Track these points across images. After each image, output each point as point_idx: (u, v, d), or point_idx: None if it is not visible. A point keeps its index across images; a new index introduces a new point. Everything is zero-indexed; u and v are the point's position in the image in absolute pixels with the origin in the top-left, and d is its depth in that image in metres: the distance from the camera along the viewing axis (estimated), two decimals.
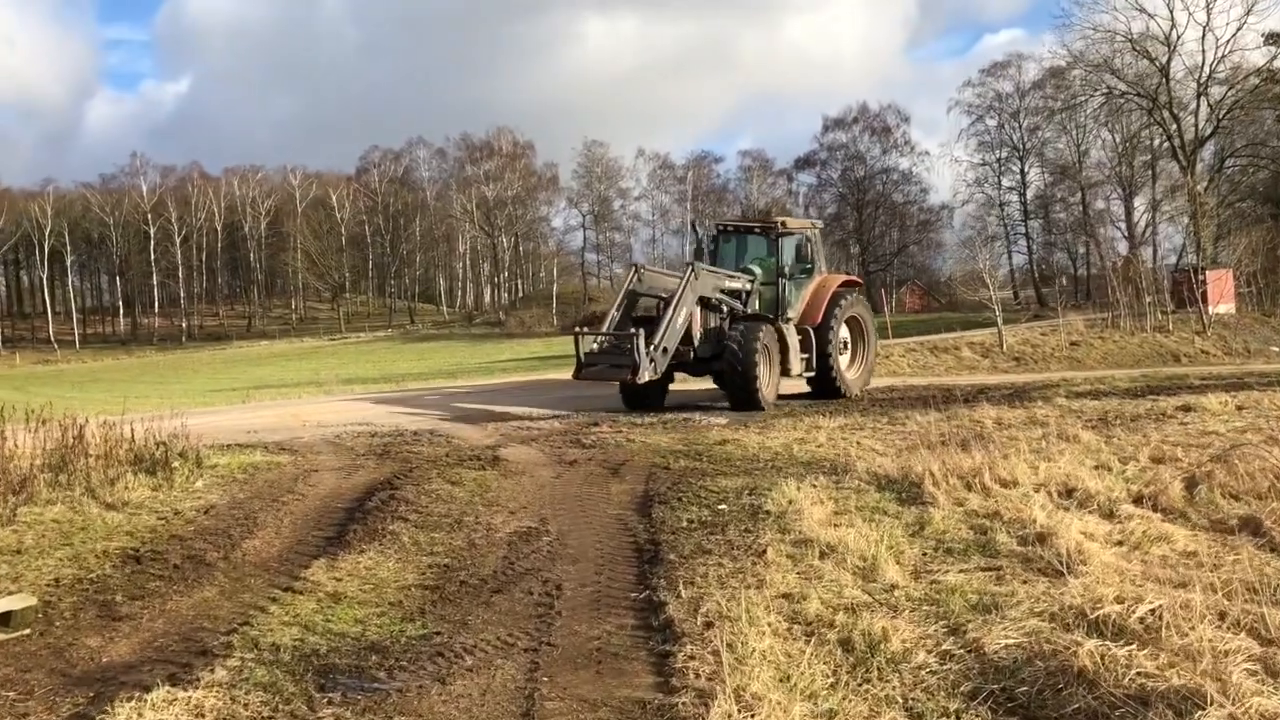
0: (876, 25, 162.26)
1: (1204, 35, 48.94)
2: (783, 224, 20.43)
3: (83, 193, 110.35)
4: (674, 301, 17.61)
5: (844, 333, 20.28)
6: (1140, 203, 70.84)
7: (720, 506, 8.91)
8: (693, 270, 18.13)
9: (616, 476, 10.79)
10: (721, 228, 21.84)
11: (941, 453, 10.83)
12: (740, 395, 17.65)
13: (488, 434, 14.79)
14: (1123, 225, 73.76)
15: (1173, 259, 59.54)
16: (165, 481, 9.61)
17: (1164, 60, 49.33)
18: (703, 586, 6.52)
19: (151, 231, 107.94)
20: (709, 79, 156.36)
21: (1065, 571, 6.46)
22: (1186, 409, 15.87)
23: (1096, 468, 10.57)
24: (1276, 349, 37.90)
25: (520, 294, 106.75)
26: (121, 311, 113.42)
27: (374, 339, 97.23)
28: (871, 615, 5.78)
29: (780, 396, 18.76)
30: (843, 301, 19.91)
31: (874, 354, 21.86)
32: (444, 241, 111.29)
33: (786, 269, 19.55)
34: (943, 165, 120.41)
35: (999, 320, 33.09)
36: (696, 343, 18.15)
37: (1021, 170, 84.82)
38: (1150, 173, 66.84)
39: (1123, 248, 68.31)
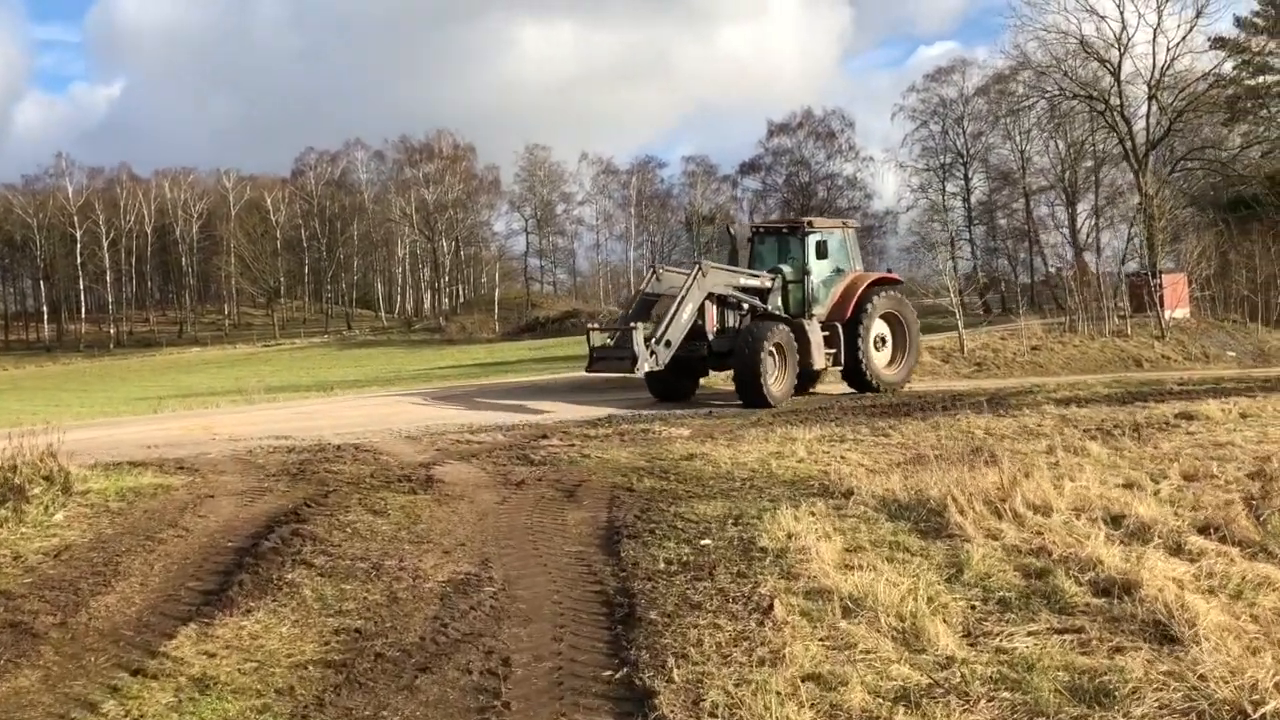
0: (813, 37, 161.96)
1: (1154, 37, 48.36)
2: (809, 223, 20.92)
3: (3, 194, 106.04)
4: (679, 297, 18.24)
5: (880, 329, 20.78)
6: (1083, 209, 70.75)
7: (704, 542, 7.29)
8: (700, 268, 18.82)
9: (573, 501, 9.14)
10: (756, 229, 22.86)
11: (948, 471, 9.32)
12: (748, 392, 18.22)
13: (421, 449, 13.05)
14: (1065, 231, 73.61)
15: (1115, 265, 59.15)
16: (14, 514, 7.76)
17: (1115, 62, 48.69)
18: (699, 661, 4.90)
19: (78, 234, 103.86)
20: (648, 87, 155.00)
21: (1174, 636, 4.93)
22: (1188, 417, 14.54)
23: (1128, 486, 9.15)
24: (1233, 354, 37.30)
25: (461, 299, 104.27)
26: (46, 317, 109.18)
27: (309, 345, 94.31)
28: (939, 710, 4.19)
29: (812, 393, 20.37)
30: (875, 298, 20.34)
31: (917, 351, 22.36)
32: (383, 245, 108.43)
33: (811, 266, 19.93)
34: (887, 171, 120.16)
35: (959, 325, 31.90)
36: (711, 338, 18.81)
37: (965, 176, 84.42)
38: (1094, 179, 66.76)
39: (1067, 254, 68.16)
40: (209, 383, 53.46)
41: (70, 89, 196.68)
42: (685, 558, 6.89)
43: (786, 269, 20.14)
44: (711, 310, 18.88)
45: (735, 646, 5.12)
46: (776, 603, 5.69)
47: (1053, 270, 76.33)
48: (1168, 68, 49.03)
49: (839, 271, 20.56)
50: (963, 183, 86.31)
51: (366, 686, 4.78)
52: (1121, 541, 6.85)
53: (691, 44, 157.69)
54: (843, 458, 11.53)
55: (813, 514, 7.85)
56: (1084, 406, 16.92)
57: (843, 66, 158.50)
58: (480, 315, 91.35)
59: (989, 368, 30.74)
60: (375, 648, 5.29)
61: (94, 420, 19.64)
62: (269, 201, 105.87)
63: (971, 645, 5.12)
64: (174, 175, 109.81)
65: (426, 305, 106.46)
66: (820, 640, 5.14)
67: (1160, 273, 39.87)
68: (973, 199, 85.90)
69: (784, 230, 21.46)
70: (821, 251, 20.10)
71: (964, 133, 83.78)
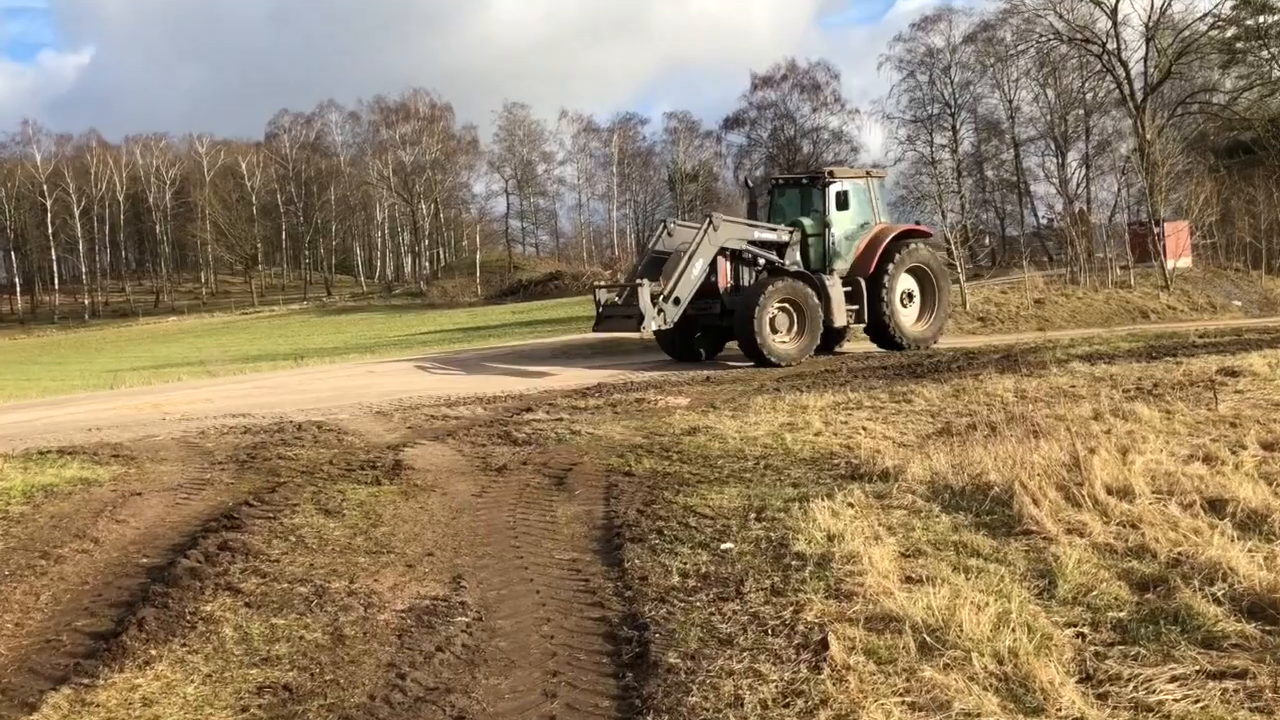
0: None
1: None
2: (830, 174, 19.76)
3: None
4: (689, 252, 17.32)
5: (907, 283, 19.73)
6: (1072, 158, 69.56)
7: (724, 545, 5.98)
8: (711, 221, 17.91)
9: (563, 490, 7.82)
10: (776, 181, 21.90)
11: (997, 446, 8.05)
12: (748, 349, 17.50)
13: (392, 426, 11.71)
14: (1056, 181, 72.34)
15: (1105, 216, 57.91)
16: None
17: (1111, 3, 47.16)
18: None
19: (48, 204, 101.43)
20: (623, 46, 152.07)
21: None
22: (1232, 373, 13.29)
23: (1206, 460, 7.86)
24: (1239, 303, 36.26)
25: (442, 263, 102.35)
26: (19, 289, 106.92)
27: (288, 312, 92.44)
28: None
29: (839, 351, 19.84)
30: (901, 251, 19.27)
31: (947, 306, 21.41)
32: (361, 209, 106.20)
33: (832, 219, 19.02)
34: (873, 124, 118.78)
35: (961, 279, 30.60)
36: (725, 296, 17.89)
37: (953, 127, 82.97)
38: (1084, 127, 65.59)
39: (1057, 205, 67.18)
40: (184, 353, 52.02)
41: (38, 57, 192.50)
42: (704, 568, 5.59)
43: (807, 222, 19.17)
44: (725, 266, 17.97)
45: (786, 707, 3.83)
46: (831, 637, 4.40)
47: (1044, 221, 75.30)
48: (1166, 8, 47.63)
49: (863, 225, 19.55)
50: (950, 133, 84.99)
51: None
52: (1237, 536, 5.57)
53: (665, 1, 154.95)
54: (864, 429, 10.23)
55: (851, 505, 6.54)
56: (1111, 363, 15.67)
57: (818, 23, 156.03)
58: (462, 279, 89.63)
59: (993, 322, 29.55)
60: (309, 714, 3.98)
61: (39, 399, 18.22)
62: (243, 166, 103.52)
63: (1100, 698, 3.84)
64: (145, 141, 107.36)
65: (407, 269, 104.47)
66: (899, 696, 3.85)
67: (1161, 221, 38.70)
68: (960, 150, 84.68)
69: (804, 181, 20.42)
70: (843, 203, 19.13)
71: (951, 82, 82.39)
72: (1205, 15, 48.80)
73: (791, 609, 4.84)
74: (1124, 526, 5.96)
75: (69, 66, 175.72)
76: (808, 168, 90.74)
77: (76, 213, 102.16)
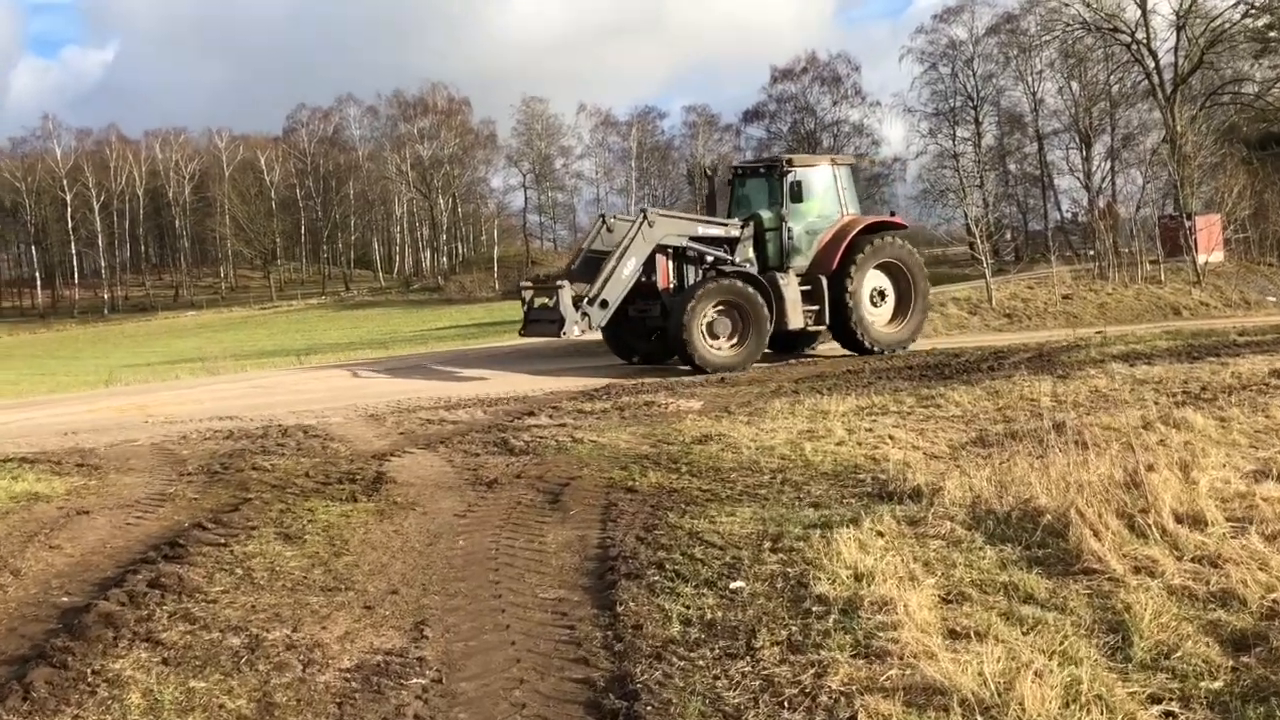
0: None
1: None
2: (788, 161, 17.99)
3: None
4: (619, 251, 16.03)
5: (877, 281, 18.05)
6: (1097, 152, 68.27)
7: (734, 584, 5.15)
8: (644, 216, 16.55)
9: (557, 508, 7.01)
10: (736, 170, 20.07)
11: (1044, 461, 7.19)
12: (683, 357, 16.20)
13: (384, 431, 10.93)
14: (1080, 175, 71.10)
15: (1131, 209, 56.70)
16: None
17: None
18: None
19: (68, 198, 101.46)
20: (641, 44, 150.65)
21: None
22: None
23: (1278, 478, 7.00)
24: (1274, 299, 35.09)
25: (460, 258, 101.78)
26: (40, 283, 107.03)
27: (306, 307, 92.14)
28: None
29: (810, 355, 18.49)
30: (869, 245, 17.60)
31: (925, 305, 19.37)
32: (380, 204, 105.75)
33: (788, 211, 17.38)
34: (894, 117, 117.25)
35: (987, 273, 29.62)
36: (665, 297, 16.54)
37: (976, 120, 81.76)
38: (1109, 120, 64.37)
39: (1082, 199, 65.99)
40: (199, 347, 51.56)
41: (62, 53, 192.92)
42: (709, 613, 4.76)
43: (766, 215, 17.51)
44: (665, 265, 16.56)
45: None
46: (863, 716, 3.57)
47: (1068, 216, 73.95)
48: None
49: (828, 217, 17.82)
50: (973, 126, 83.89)
51: None
52: None
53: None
54: (890, 437, 9.39)
55: (881, 534, 5.70)
56: (1152, 363, 14.75)
57: (838, 18, 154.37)
58: (479, 274, 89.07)
59: (1020, 319, 28.53)
60: None
61: (26, 398, 17.55)
62: (262, 161, 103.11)
63: None
64: (164, 136, 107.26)
65: (425, 264, 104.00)
66: None
67: (1192, 215, 37.61)
68: (983, 144, 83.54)
69: (761, 171, 18.64)
70: (798, 194, 17.33)
71: (974, 75, 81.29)
72: (1238, 3, 47.41)
73: (813, 672, 4.02)
74: (1201, 564, 5.12)
75: (93, 63, 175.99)
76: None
77: (96, 207, 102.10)
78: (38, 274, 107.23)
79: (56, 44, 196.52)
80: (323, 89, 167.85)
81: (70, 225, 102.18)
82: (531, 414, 11.74)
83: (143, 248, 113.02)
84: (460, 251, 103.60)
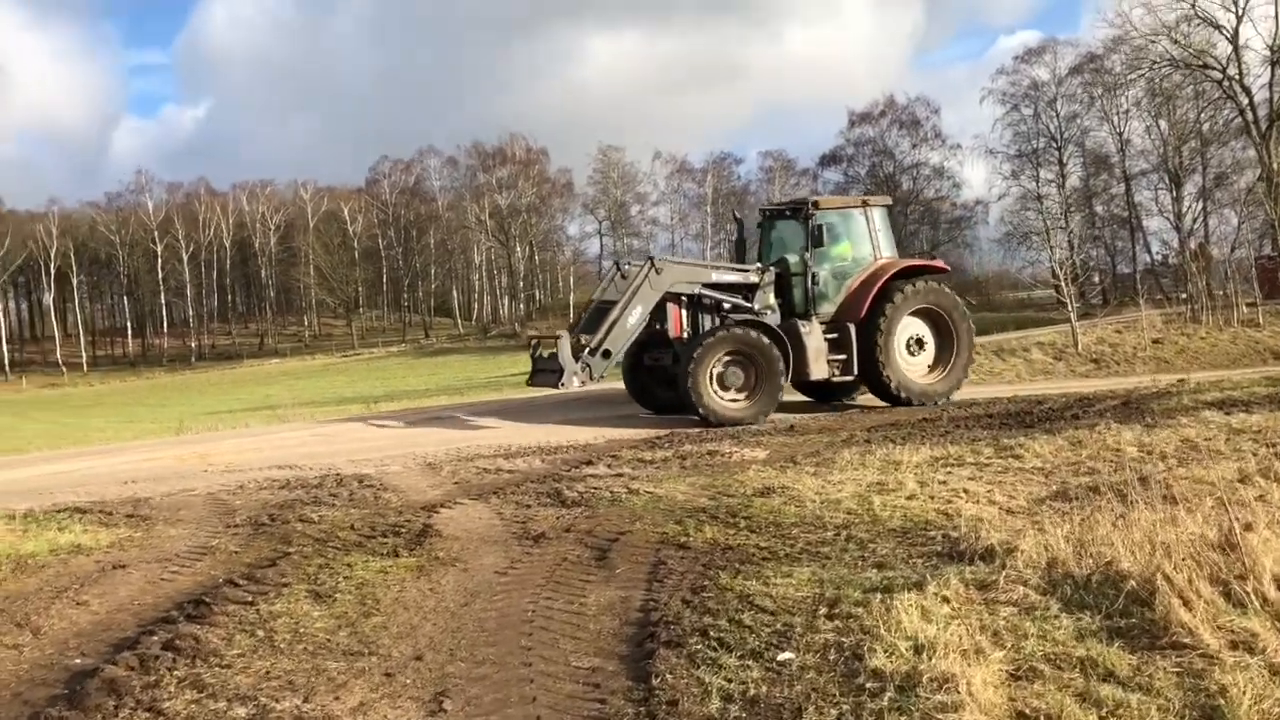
0: (883, 33, 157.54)
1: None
2: (814, 204, 17.19)
3: (88, 212, 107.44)
4: (624, 299, 15.62)
5: (914, 328, 17.16)
6: (1188, 192, 66.47)
7: (782, 656, 4.73)
8: (651, 263, 16.01)
9: (603, 566, 6.65)
10: (764, 212, 19.18)
11: (1129, 518, 6.64)
12: (692, 410, 15.43)
13: (438, 481, 10.69)
14: (1170, 216, 69.26)
15: (1225, 251, 55.01)
16: None
17: (1232, 27, 44.68)
18: None
19: (159, 250, 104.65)
20: (717, 92, 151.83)
21: None
22: None
23: None
24: None
25: (538, 304, 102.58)
26: (131, 332, 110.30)
27: (387, 354, 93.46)
28: None
29: (849, 404, 17.76)
30: (902, 292, 16.75)
31: (969, 354, 17.90)
32: (459, 253, 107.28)
33: (812, 256, 16.74)
34: (975, 159, 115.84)
35: (1073, 317, 28.73)
36: (677, 346, 16.07)
37: (1060, 161, 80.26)
38: (1200, 159, 62.62)
39: (1172, 240, 64.21)
40: (283, 394, 52.46)
41: (160, 112, 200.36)
42: (752, 688, 4.35)
43: (792, 259, 16.89)
44: (677, 313, 16.07)
45: None
46: None
47: (1158, 258, 72.00)
48: None
49: (859, 260, 17.17)
50: (1057, 168, 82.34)
51: None
52: None
53: (760, 45, 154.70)
54: (965, 491, 8.87)
55: (946, 600, 5.23)
56: (1250, 411, 13.92)
57: (916, 62, 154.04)
58: (555, 320, 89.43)
59: (1107, 364, 27.57)
60: None
61: (94, 446, 17.71)
62: (345, 212, 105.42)
63: None
64: (251, 188, 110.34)
65: (503, 311, 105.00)
66: None
67: None
68: (1067, 185, 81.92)
69: (787, 213, 17.97)
70: (820, 238, 16.58)
71: (1057, 115, 79.91)
72: None
73: None
74: None
75: (187, 119, 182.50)
76: (908, 205, 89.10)
77: (185, 258, 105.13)
78: (129, 323, 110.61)
79: (155, 102, 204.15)
80: (404, 141, 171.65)
81: (160, 276, 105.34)
82: (589, 463, 11.41)
83: (229, 297, 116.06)
84: (538, 298, 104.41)
